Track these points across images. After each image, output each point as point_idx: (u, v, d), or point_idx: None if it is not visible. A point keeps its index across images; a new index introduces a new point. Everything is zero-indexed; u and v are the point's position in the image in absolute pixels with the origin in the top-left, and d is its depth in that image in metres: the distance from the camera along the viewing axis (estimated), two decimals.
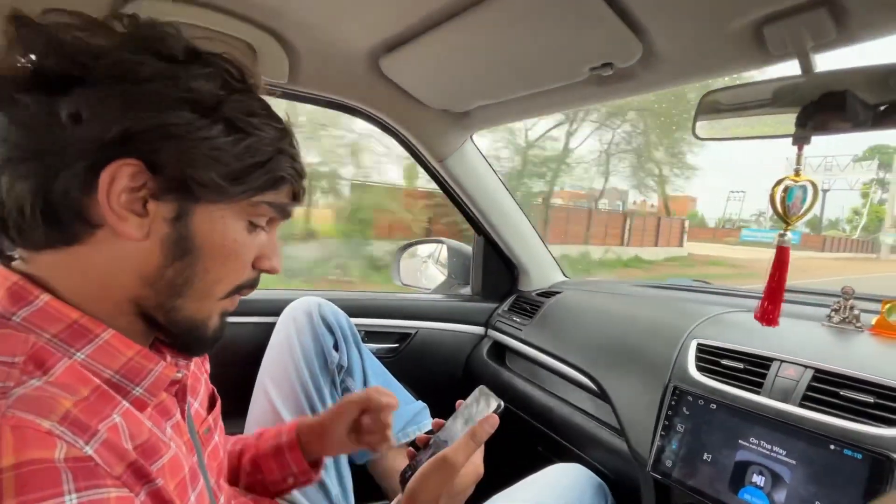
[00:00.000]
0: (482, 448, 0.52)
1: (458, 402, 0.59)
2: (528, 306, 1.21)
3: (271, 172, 0.41)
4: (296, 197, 0.45)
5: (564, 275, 1.37)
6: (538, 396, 1.03)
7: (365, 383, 0.92)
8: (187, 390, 0.47)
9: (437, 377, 1.22)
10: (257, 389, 0.88)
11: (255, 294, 1.07)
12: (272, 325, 0.94)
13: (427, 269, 1.47)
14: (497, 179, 1.11)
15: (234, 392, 0.88)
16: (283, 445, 0.65)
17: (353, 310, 0.95)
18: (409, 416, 0.97)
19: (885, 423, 0.55)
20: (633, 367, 0.85)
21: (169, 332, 0.42)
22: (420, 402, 1.02)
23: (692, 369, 0.75)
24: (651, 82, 0.69)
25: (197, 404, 0.51)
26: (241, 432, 0.85)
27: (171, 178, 0.37)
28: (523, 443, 0.93)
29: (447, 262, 1.38)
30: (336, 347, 0.90)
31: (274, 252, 0.46)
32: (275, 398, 0.85)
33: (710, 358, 0.75)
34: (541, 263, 1.30)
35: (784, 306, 0.93)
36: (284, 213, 0.45)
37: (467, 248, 1.34)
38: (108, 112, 0.35)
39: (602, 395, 0.88)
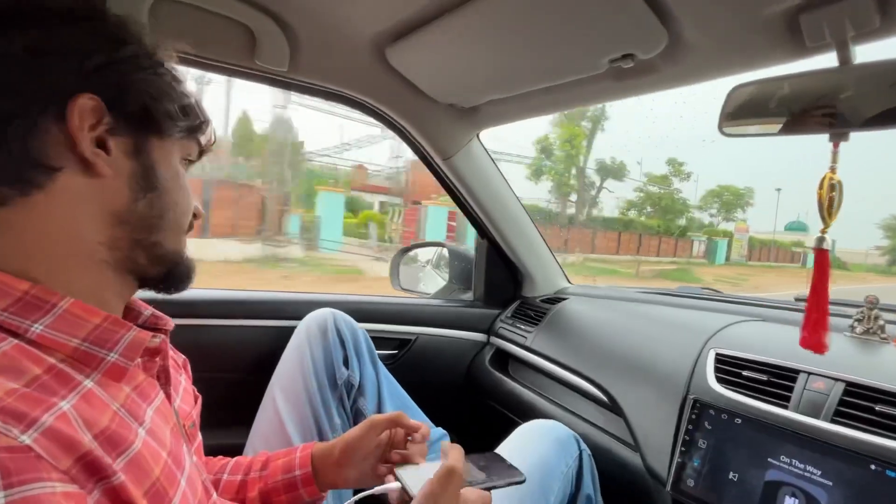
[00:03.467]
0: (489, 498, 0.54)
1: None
2: (532, 313, 1.17)
3: (201, 114, 0.44)
4: (207, 142, 0.47)
5: (569, 281, 1.33)
6: (544, 407, 0.98)
7: (380, 406, 0.86)
8: (170, 374, 0.44)
9: (437, 385, 1.17)
10: (266, 399, 0.83)
11: (272, 296, 1.03)
12: (290, 329, 0.89)
13: (427, 273, 1.43)
14: (503, 181, 1.07)
15: (243, 400, 0.83)
16: (296, 480, 0.60)
17: (354, 315, 0.91)
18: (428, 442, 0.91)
19: None
20: (647, 379, 0.80)
21: (154, 272, 0.42)
22: (440, 429, 0.95)
23: (712, 381, 0.71)
24: (673, 76, 0.66)
25: (179, 399, 0.47)
26: (244, 443, 0.80)
27: (127, 112, 0.38)
28: None
29: (448, 267, 1.33)
30: (346, 364, 0.85)
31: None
32: (282, 410, 0.79)
33: (731, 369, 0.71)
34: (546, 269, 1.26)
35: (793, 315, 0.89)
36: (200, 155, 0.47)
37: (469, 252, 1.30)
38: (65, 47, 0.35)
39: (613, 407, 0.83)
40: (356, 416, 0.85)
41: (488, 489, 0.53)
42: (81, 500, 0.29)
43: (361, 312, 1.05)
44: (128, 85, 0.37)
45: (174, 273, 0.43)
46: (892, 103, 0.50)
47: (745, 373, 0.69)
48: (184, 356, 0.55)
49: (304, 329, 0.86)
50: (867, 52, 0.54)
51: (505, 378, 1.10)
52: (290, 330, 0.88)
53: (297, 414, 0.79)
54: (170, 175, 0.41)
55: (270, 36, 0.66)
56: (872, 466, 0.52)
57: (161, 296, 0.45)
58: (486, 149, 1.00)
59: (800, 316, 0.88)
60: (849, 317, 0.78)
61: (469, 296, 1.31)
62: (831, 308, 0.89)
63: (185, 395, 0.50)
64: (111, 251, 0.38)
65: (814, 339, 0.51)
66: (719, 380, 0.71)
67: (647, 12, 0.54)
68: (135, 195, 0.39)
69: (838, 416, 0.58)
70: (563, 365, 0.97)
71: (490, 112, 0.87)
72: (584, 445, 0.78)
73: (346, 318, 0.89)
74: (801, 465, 0.56)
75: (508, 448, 0.75)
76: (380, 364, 0.90)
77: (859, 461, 0.53)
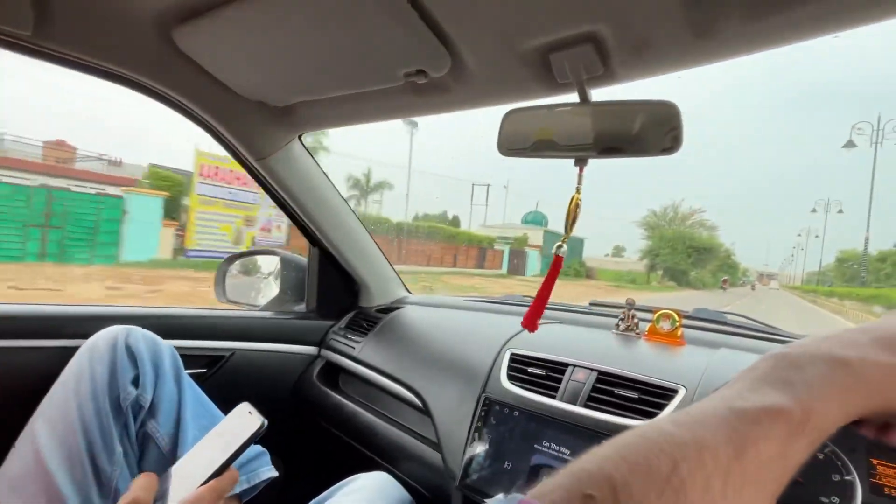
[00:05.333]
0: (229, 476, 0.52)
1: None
2: (365, 323, 1.16)
3: None
4: None
5: (407, 290, 1.35)
6: (363, 418, 0.97)
7: (178, 426, 0.75)
8: None
9: (259, 403, 1.07)
10: (22, 438, 0.66)
11: (58, 310, 0.84)
12: (72, 350, 0.73)
13: (258, 284, 1.32)
14: (331, 187, 1.04)
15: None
16: None
17: (158, 330, 0.78)
18: (243, 460, 0.81)
19: (645, 416, 0.62)
20: (455, 380, 0.84)
21: None
22: (259, 446, 0.86)
23: (503, 379, 0.77)
24: (466, 98, 0.71)
25: None
26: None
27: None
28: (342, 468, 0.86)
29: (280, 276, 1.25)
30: (137, 383, 0.72)
31: None
32: (45, 448, 0.64)
33: (520, 367, 0.78)
34: (382, 278, 1.26)
35: (586, 318, 1.04)
36: None
37: (303, 261, 1.24)
38: None
39: (426, 410, 0.85)
40: (143, 440, 0.73)
41: (219, 472, 0.51)
42: None
43: (167, 327, 0.92)
44: None
45: None
46: (618, 138, 0.60)
47: (530, 369, 0.77)
48: None
49: (88, 349, 0.72)
50: (605, 93, 0.65)
51: (330, 392, 1.07)
52: (72, 351, 0.73)
53: (64, 449, 0.65)
54: None
55: None
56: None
57: None
58: (310, 153, 0.97)
59: (593, 318, 1.03)
60: (615, 317, 0.93)
61: (302, 307, 1.24)
62: (605, 310, 1.05)
63: None
64: None
65: (529, 320, 0.60)
66: (510, 378, 0.78)
67: (428, 33, 0.57)
68: None
69: (590, 402, 0.68)
70: (385, 373, 0.97)
71: (307, 115, 0.84)
72: None
73: (145, 334, 0.77)
74: (558, 448, 0.64)
75: (342, 494, 0.71)
76: (186, 382, 0.79)
77: (597, 438, 0.62)
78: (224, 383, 0.99)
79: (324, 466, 1.10)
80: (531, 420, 0.68)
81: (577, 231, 0.67)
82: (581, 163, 0.63)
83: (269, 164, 0.90)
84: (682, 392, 0.64)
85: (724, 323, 0.98)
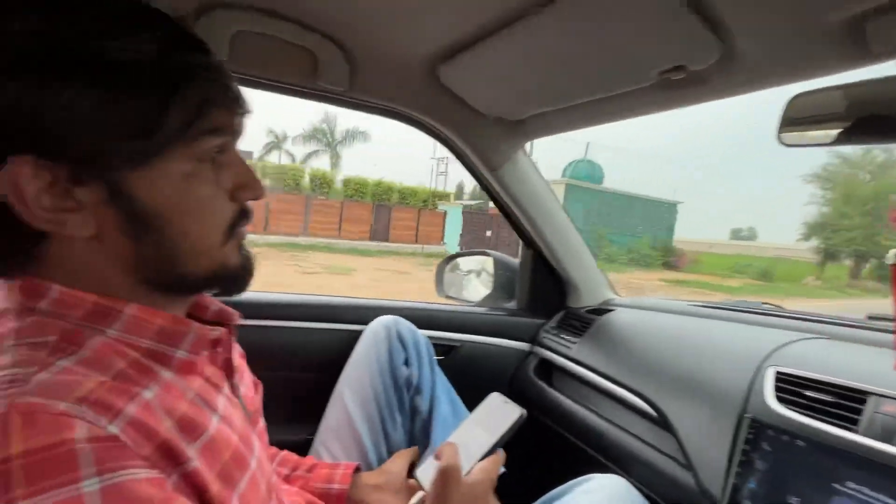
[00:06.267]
0: (497, 459, 0.58)
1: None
2: (577, 323, 1.16)
3: (187, 102, 0.34)
4: (234, 104, 0.38)
5: (615, 293, 1.30)
6: (590, 419, 0.97)
7: (431, 405, 0.90)
8: (233, 365, 0.47)
9: (482, 392, 1.18)
10: (335, 397, 0.88)
11: (340, 300, 1.11)
12: (357, 332, 0.94)
13: (471, 282, 1.44)
14: (549, 191, 1.07)
15: (314, 395, 0.90)
16: (332, 494, 0.65)
17: (411, 320, 0.95)
18: None
19: None
20: (701, 395, 0.78)
21: (196, 289, 0.42)
22: None
23: (771, 400, 0.68)
24: (723, 87, 0.65)
25: (244, 388, 0.51)
26: (307, 438, 0.86)
27: (75, 158, 0.32)
28: (566, 465, 0.88)
29: (493, 276, 1.35)
30: (407, 364, 0.89)
31: (246, 176, 0.40)
32: (351, 408, 0.85)
33: (792, 388, 0.68)
34: (591, 279, 1.24)
35: (861, 334, 0.83)
36: (229, 133, 0.38)
37: (514, 262, 1.30)
38: None
39: (663, 423, 0.81)
40: (413, 413, 0.89)
41: (492, 452, 0.56)
42: (162, 484, 0.31)
43: (416, 318, 1.09)
44: (52, 132, 0.31)
45: (220, 283, 0.42)
46: None
47: (808, 393, 0.66)
48: (241, 349, 0.60)
49: (372, 333, 0.91)
50: None
51: (548, 388, 1.10)
52: (356, 333, 0.94)
53: (364, 412, 0.84)
54: (168, 204, 0.36)
55: (332, 59, 0.71)
56: None
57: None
58: (530, 159, 1.01)
59: (874, 335, 0.83)
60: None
61: (512, 305, 1.31)
62: (887, 324, 0.83)
63: (249, 385, 0.54)
64: (145, 285, 0.38)
65: None
66: (780, 399, 0.68)
67: (699, 24, 0.54)
68: (133, 241, 0.36)
69: None
70: (608, 377, 0.96)
71: (536, 124, 0.88)
72: None
73: (407, 324, 0.93)
74: (872, 493, 0.53)
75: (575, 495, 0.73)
76: (437, 367, 0.94)
77: None
78: (457, 370, 1.12)
79: (546, 461, 1.15)
80: (824, 454, 0.58)
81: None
82: None
83: (499, 174, 0.97)
84: None
85: None
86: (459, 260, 1.44)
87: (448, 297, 1.40)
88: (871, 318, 0.95)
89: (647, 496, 0.78)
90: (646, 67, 0.63)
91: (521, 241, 1.22)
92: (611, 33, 0.59)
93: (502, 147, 0.94)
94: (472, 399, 1.16)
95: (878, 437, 0.56)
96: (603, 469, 0.89)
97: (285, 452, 0.72)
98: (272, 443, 0.73)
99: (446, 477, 0.51)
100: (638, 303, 1.24)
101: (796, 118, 0.58)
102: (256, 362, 0.69)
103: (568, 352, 1.09)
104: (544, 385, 1.12)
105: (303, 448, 0.82)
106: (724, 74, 0.62)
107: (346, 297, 1.10)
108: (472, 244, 15.84)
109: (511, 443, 1.18)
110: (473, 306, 1.34)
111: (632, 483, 0.79)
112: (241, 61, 0.70)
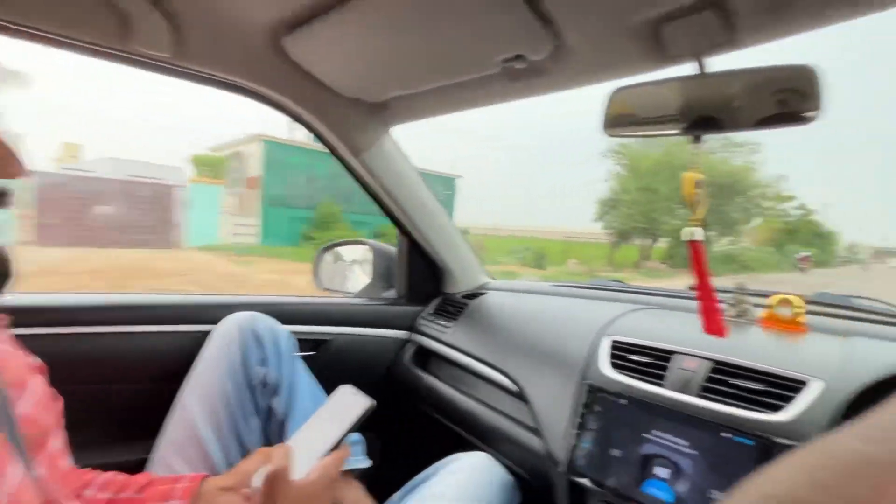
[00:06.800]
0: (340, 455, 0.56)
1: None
2: (452, 308, 1.19)
3: None
4: None
5: (491, 277, 1.36)
6: (462, 402, 1.00)
7: (290, 405, 0.83)
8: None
9: (358, 385, 1.15)
10: (177, 406, 0.78)
11: (181, 299, 0.97)
12: (205, 334, 0.84)
13: (351, 272, 1.40)
14: (418, 178, 1.07)
15: (152, 408, 0.79)
16: None
17: (274, 316, 0.87)
18: None
19: (771, 409, 0.58)
20: (551, 367, 0.84)
21: None
22: (357, 434, 0.93)
23: (605, 366, 0.76)
24: (564, 79, 0.69)
25: (29, 406, 0.43)
26: (147, 456, 0.74)
27: None
28: (439, 449, 0.90)
29: (372, 265, 1.32)
30: (265, 363, 0.82)
31: None
32: (197, 416, 0.75)
33: (622, 354, 0.76)
34: (465, 265, 1.28)
35: (687, 303, 0.98)
36: None
37: (392, 250, 1.29)
38: None
39: (522, 396, 0.86)
40: (269, 415, 0.82)
41: (337, 446, 0.56)
42: None
43: (280, 314, 1.02)
44: None
45: None
46: (743, 109, 0.56)
47: (631, 356, 0.75)
48: (41, 361, 0.50)
49: (221, 334, 0.83)
50: (721, 63, 0.60)
51: (424, 374, 1.11)
52: (204, 335, 0.84)
53: (212, 419, 0.75)
54: None
55: (148, 20, 0.61)
56: (725, 434, 0.58)
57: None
58: (398, 145, 1.00)
59: (691, 303, 0.98)
60: (722, 302, 0.87)
61: (393, 294, 1.30)
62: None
63: (39, 401, 0.45)
64: None
65: (710, 325, 0.56)
66: (613, 365, 0.76)
67: (530, 16, 0.56)
68: None
69: (704, 392, 0.64)
70: (477, 357, 1.00)
71: (400, 108, 0.87)
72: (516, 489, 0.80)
73: (266, 320, 0.86)
74: (671, 438, 0.62)
75: (443, 475, 0.74)
76: (299, 364, 0.87)
77: (715, 430, 0.59)
78: (326, 366, 1.07)
79: (421, 446, 1.16)
80: (638, 408, 0.66)
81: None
82: (698, 140, 0.59)
83: (364, 159, 0.94)
84: (815, 384, 0.58)
85: (853, 308, 0.88)
86: (340, 250, 1.39)
87: (327, 289, 1.34)
88: (691, 288, 1.12)
89: (510, 469, 0.83)
90: (488, 55, 0.65)
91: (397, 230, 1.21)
92: (453, 18, 0.60)
93: (366, 131, 0.91)
94: None
95: (677, 389, 0.66)
96: (476, 449, 0.93)
97: (110, 474, 0.62)
98: (96, 466, 0.63)
99: (274, 481, 0.48)
100: (510, 286, 1.31)
101: (617, 111, 0.64)
102: (67, 374, 0.58)
103: (443, 336, 1.12)
104: (420, 372, 1.13)
105: (137, 469, 0.71)
106: (561, 66, 0.66)
107: (191, 295, 0.99)
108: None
109: (387, 430, 1.19)
110: (352, 297, 1.30)
111: (499, 458, 0.84)
112: (28, 14, 0.57)
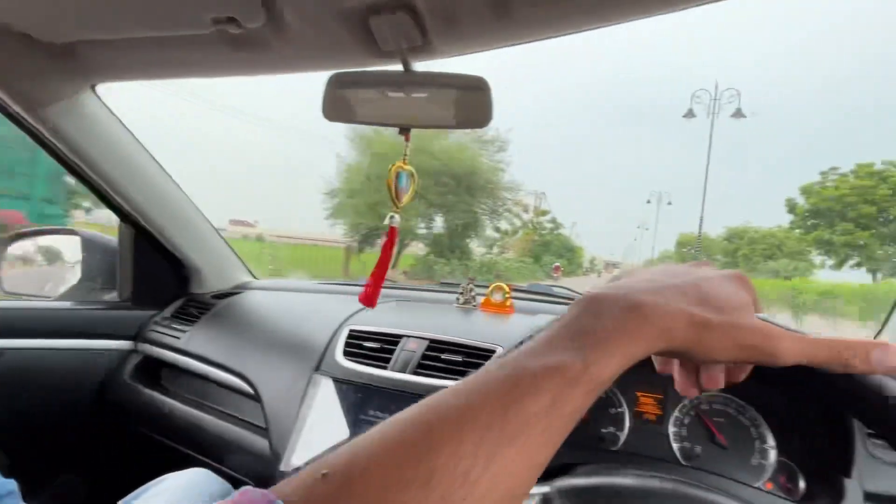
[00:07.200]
0: None
1: None
2: (195, 311, 1.03)
3: None
4: None
5: (252, 275, 1.24)
6: (191, 416, 0.86)
7: None
8: None
9: (48, 414, 0.88)
10: None
11: None
12: None
13: (53, 269, 1.08)
14: (143, 151, 0.89)
15: None
16: None
17: None
18: None
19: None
20: (289, 362, 0.80)
21: None
22: (12, 481, 0.67)
23: (339, 355, 0.75)
24: (288, 59, 0.66)
25: None
26: None
27: None
28: (157, 473, 0.75)
29: (82, 260, 1.04)
30: None
31: None
32: None
33: (357, 342, 0.77)
34: (219, 261, 1.14)
35: (434, 295, 1.08)
36: None
37: (113, 243, 1.05)
38: None
39: (255, 396, 0.79)
40: None
41: None
42: None
43: None
44: None
45: None
46: (436, 109, 0.62)
47: (366, 343, 0.76)
48: None
49: None
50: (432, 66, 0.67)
51: (146, 390, 0.93)
52: None
53: None
54: None
55: None
56: None
57: None
58: (111, 110, 0.81)
59: (438, 295, 1.07)
60: (456, 292, 0.98)
61: (114, 296, 1.05)
62: (448, 289, 1.10)
63: None
64: None
65: (367, 296, 0.59)
66: (347, 353, 0.76)
67: None
68: None
69: (420, 369, 0.69)
70: (214, 363, 0.88)
71: (98, 60, 0.70)
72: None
73: None
74: (383, 415, 0.64)
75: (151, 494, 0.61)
76: None
77: None
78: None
79: (136, 474, 0.96)
80: (360, 392, 0.67)
81: None
82: (405, 132, 0.63)
83: (47, 116, 0.73)
84: (499, 351, 0.69)
85: (552, 294, 1.10)
86: (30, 241, 1.06)
87: (8, 293, 1.00)
88: (442, 283, 1.24)
89: (233, 479, 0.74)
90: (196, 9, 0.57)
91: (117, 218, 0.98)
92: None
93: (45, 79, 0.71)
94: (36, 421, 0.86)
95: (398, 370, 0.69)
96: (198, 465, 0.81)
97: None
98: None
99: None
100: (275, 284, 1.21)
101: (336, 96, 0.64)
102: None
103: (176, 343, 0.95)
104: (143, 388, 0.94)
105: None
106: (281, 43, 0.63)
107: None
108: None
109: (93, 463, 0.94)
110: (52, 301, 1.00)
111: (220, 471, 0.74)
112: None
